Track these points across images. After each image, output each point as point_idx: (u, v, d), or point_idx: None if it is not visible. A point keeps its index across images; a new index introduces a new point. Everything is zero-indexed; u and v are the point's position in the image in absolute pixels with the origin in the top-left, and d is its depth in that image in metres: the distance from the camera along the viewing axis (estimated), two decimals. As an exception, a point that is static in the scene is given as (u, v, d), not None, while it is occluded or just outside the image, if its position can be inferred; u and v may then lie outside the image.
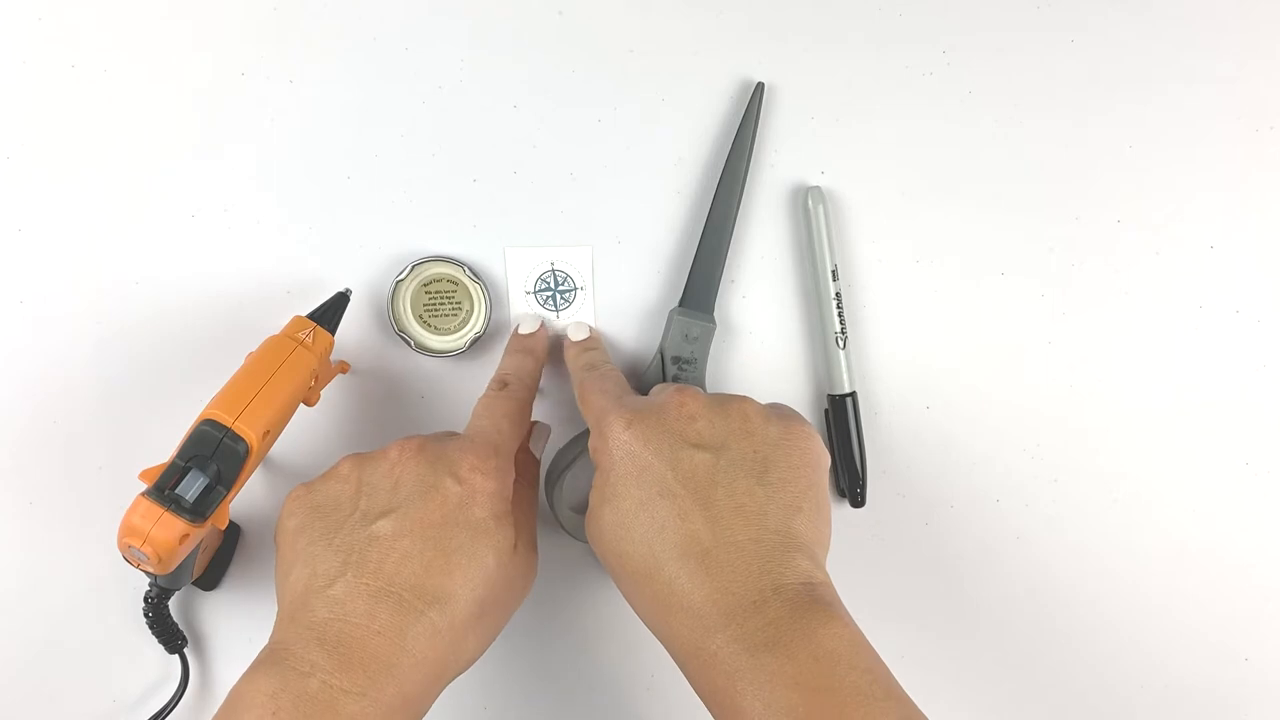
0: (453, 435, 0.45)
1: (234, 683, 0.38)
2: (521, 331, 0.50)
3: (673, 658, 0.41)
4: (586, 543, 0.50)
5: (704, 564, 0.39)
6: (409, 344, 0.50)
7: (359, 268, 0.51)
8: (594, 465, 0.44)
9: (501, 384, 0.47)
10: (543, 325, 0.50)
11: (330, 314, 0.47)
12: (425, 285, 0.51)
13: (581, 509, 0.52)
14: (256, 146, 0.50)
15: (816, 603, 0.38)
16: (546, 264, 0.51)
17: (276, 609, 0.42)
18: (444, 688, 0.42)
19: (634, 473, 0.41)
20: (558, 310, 0.51)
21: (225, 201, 0.51)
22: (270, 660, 0.39)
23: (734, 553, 0.39)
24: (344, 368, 0.50)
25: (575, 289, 0.51)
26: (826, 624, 0.38)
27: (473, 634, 0.42)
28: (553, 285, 0.51)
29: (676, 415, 0.42)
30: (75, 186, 0.50)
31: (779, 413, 0.44)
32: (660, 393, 0.44)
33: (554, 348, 0.51)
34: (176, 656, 0.51)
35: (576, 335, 0.50)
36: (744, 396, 0.44)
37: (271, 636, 0.41)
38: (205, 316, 0.50)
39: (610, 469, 0.42)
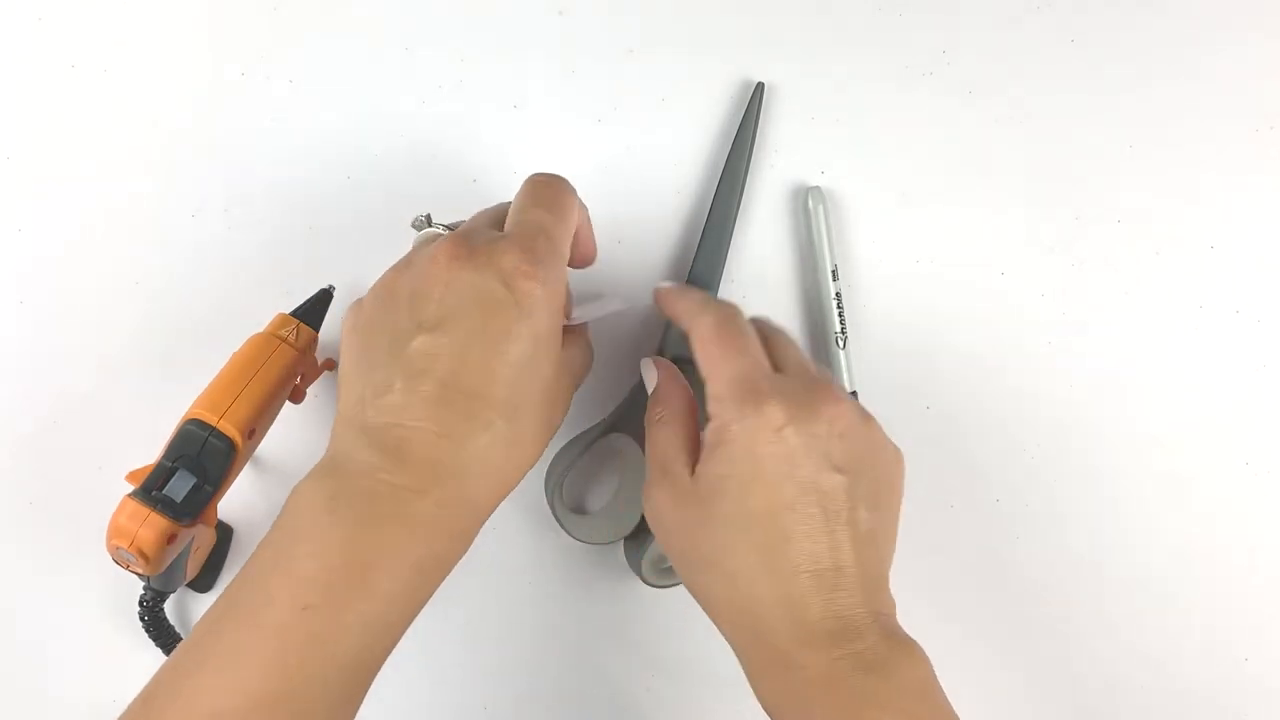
0: (493, 236, 0.41)
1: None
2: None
3: (743, 653, 0.40)
4: (586, 543, 0.50)
5: (819, 584, 0.38)
6: (409, 344, 0.51)
7: (358, 267, 0.51)
8: (712, 421, 0.41)
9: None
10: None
11: (314, 311, 0.47)
12: (425, 285, 0.51)
13: (582, 509, 0.52)
14: (256, 146, 0.50)
15: (902, 634, 0.40)
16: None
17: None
18: (501, 502, 0.40)
19: (777, 476, 0.39)
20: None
21: (225, 201, 0.51)
22: (325, 466, 0.38)
23: (846, 578, 0.39)
24: (330, 365, 0.50)
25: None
26: (914, 655, 0.39)
27: (537, 443, 0.41)
28: None
29: (829, 431, 0.39)
30: (75, 186, 0.50)
31: (887, 435, 0.43)
32: (808, 380, 0.41)
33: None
34: (175, 657, 0.51)
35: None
36: (870, 414, 0.42)
37: (327, 449, 0.39)
38: (205, 316, 0.50)
39: (752, 457, 0.39)
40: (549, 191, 0.42)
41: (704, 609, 0.41)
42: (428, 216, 0.44)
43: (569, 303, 0.44)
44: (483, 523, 0.40)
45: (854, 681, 0.37)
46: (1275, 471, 0.54)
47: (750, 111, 0.50)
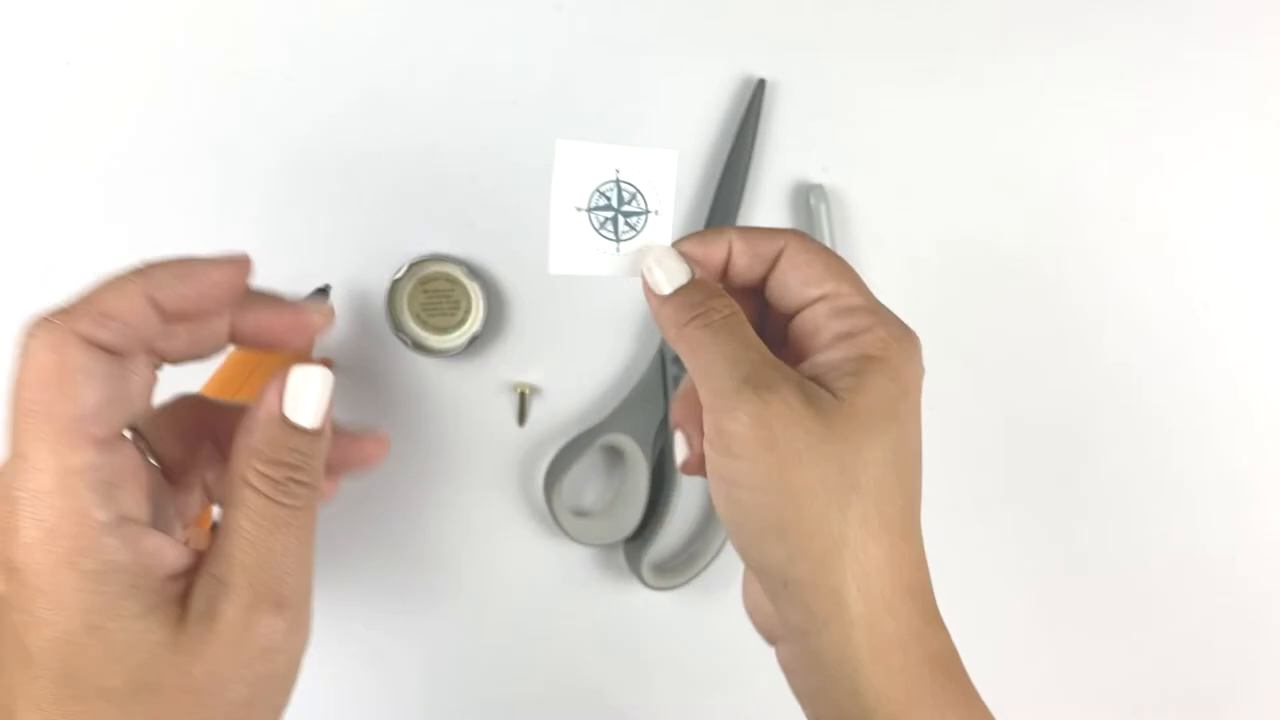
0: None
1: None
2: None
3: (843, 602, 0.31)
4: (585, 545, 0.50)
5: (922, 558, 0.35)
6: (406, 343, 0.50)
7: (356, 267, 0.50)
8: (871, 328, 0.33)
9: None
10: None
11: None
12: (423, 284, 0.50)
13: (582, 510, 0.52)
14: (255, 145, 0.50)
15: None
16: (610, 171, 0.37)
17: None
18: None
19: (919, 428, 0.34)
20: (619, 241, 0.36)
21: (224, 201, 0.50)
22: None
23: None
24: (327, 364, 0.50)
25: (647, 212, 0.36)
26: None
27: None
28: (615, 203, 0.36)
29: None
30: (73, 186, 0.50)
31: None
32: None
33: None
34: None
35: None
36: None
37: None
38: (200, 315, 0.50)
39: (912, 391, 0.34)
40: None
41: (791, 552, 0.31)
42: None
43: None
44: None
45: (959, 672, 0.33)
46: (1276, 471, 0.54)
47: (752, 109, 0.50)
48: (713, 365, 0.31)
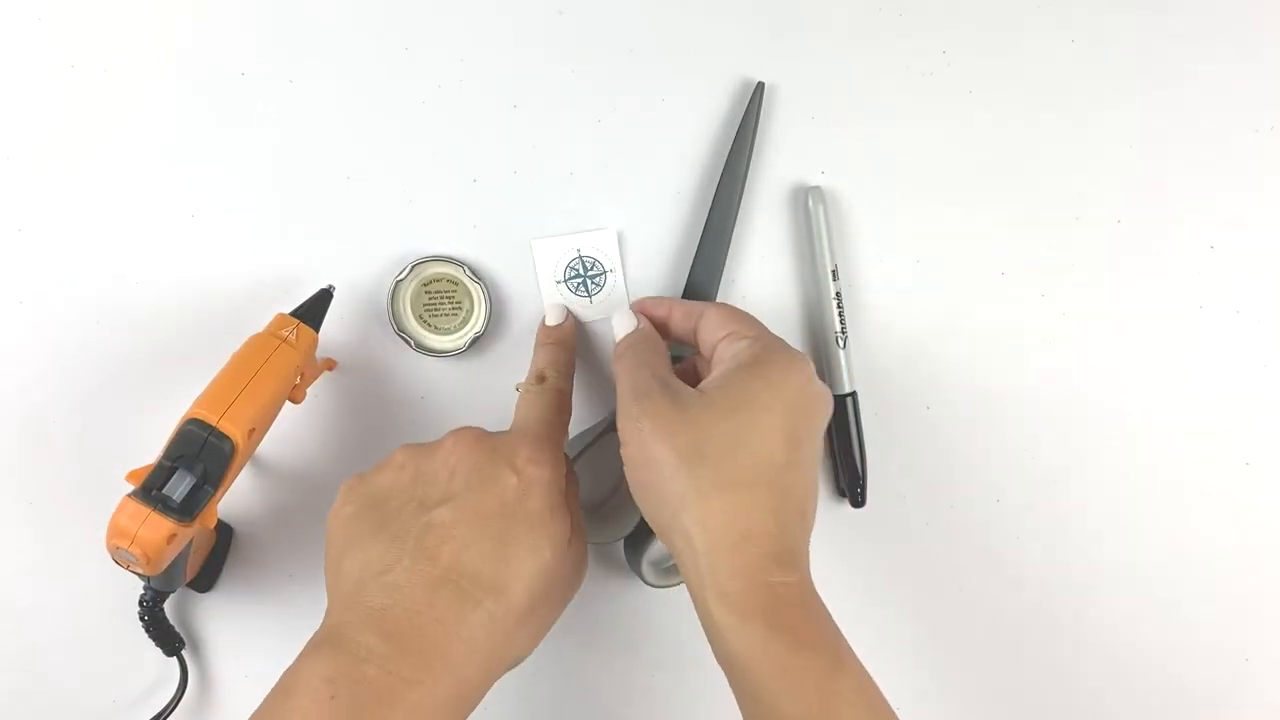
0: (503, 431, 0.45)
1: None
2: (549, 323, 0.50)
3: (716, 551, 0.40)
4: (592, 542, 0.50)
5: (802, 520, 0.43)
6: (409, 344, 0.50)
7: (359, 267, 0.51)
8: (746, 343, 0.44)
9: (540, 378, 0.47)
10: (569, 314, 0.50)
11: (313, 311, 0.47)
12: (425, 285, 0.51)
13: (587, 506, 0.52)
14: (256, 146, 0.50)
15: None
16: (573, 251, 0.50)
17: (327, 597, 0.41)
18: (494, 681, 0.41)
19: (807, 413, 0.43)
20: (590, 296, 0.50)
21: (225, 202, 0.51)
22: (327, 643, 0.38)
23: (806, 521, 0.44)
24: (330, 365, 0.50)
25: (605, 272, 0.50)
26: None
27: (526, 626, 0.42)
28: (582, 272, 0.50)
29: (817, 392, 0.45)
30: (75, 186, 0.50)
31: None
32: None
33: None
34: (174, 658, 0.51)
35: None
36: None
37: (325, 621, 0.40)
38: (205, 316, 0.50)
39: (787, 385, 0.42)
40: (554, 397, 0.47)
41: (674, 508, 0.40)
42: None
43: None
44: (475, 704, 0.40)
45: (818, 606, 0.40)
46: (1275, 471, 0.54)
47: (750, 111, 0.50)
48: (621, 382, 0.44)
